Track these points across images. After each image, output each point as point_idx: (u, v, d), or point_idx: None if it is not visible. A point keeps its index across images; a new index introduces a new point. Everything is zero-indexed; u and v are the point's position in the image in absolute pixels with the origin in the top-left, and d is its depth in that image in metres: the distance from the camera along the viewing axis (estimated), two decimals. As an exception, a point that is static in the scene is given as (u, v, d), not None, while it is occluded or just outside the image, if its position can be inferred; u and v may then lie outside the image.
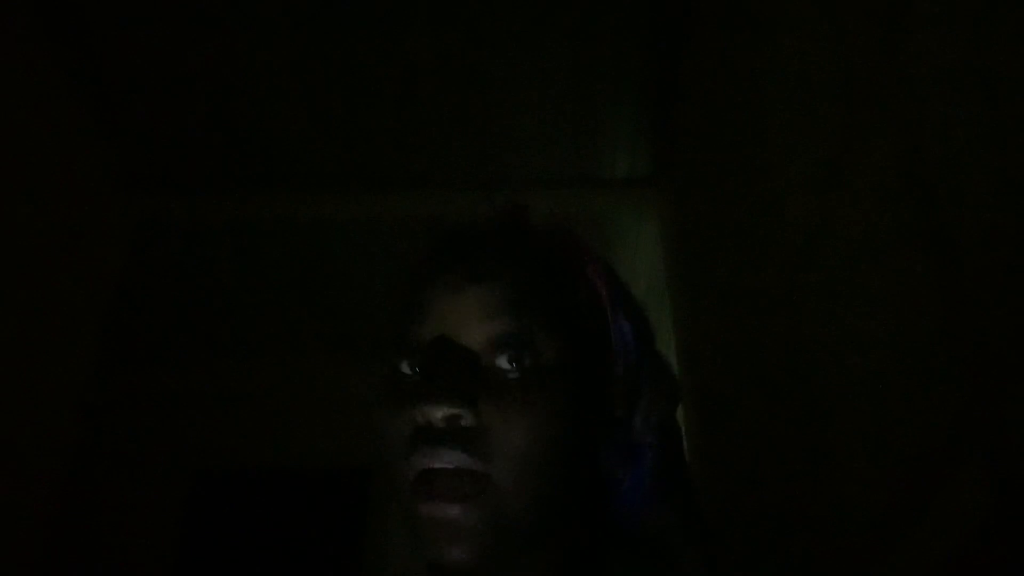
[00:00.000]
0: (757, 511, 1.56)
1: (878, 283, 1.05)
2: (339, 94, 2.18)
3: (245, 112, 2.21)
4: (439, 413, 0.53)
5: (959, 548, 0.87)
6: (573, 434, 0.57)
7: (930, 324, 0.91)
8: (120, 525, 2.67)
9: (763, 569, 1.47)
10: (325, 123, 2.26)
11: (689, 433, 2.05)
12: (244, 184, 2.42)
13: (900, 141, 1.00)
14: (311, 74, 2.13)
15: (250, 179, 2.40)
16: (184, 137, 2.28)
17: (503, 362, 0.56)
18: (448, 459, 0.54)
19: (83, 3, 1.94)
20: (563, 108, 2.22)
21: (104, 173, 2.30)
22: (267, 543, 2.71)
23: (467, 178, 2.36)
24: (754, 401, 1.58)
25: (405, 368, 0.59)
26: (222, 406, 2.89)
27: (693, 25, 1.95)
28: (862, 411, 1.11)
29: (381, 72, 2.13)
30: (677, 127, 2.19)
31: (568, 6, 1.98)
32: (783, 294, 1.41)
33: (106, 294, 2.29)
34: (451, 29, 2.02)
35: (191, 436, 2.85)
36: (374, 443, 0.60)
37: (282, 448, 2.83)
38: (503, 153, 2.34)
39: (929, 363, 0.92)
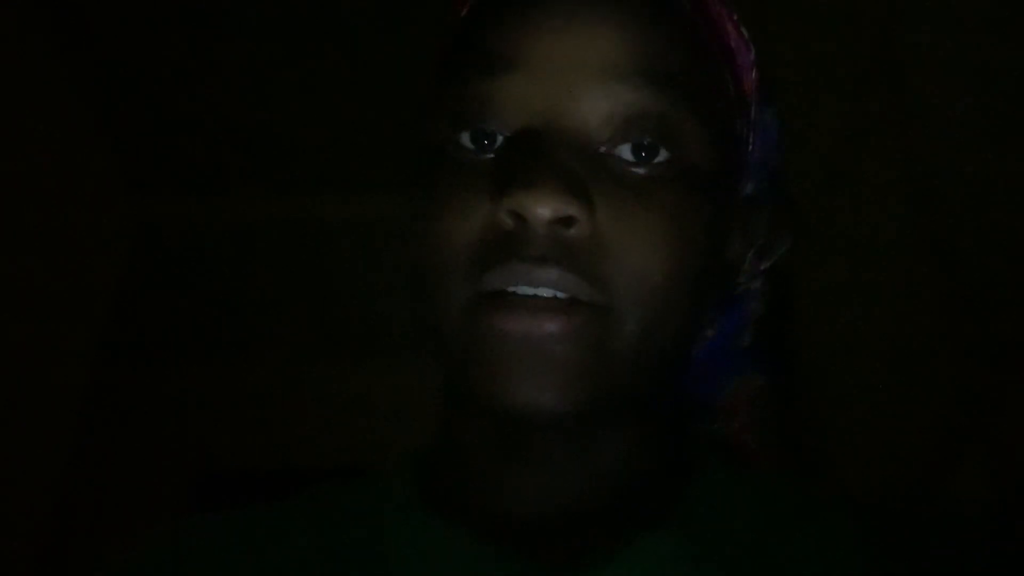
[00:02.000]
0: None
1: (878, 283, 1.05)
2: (340, 95, 2.18)
3: (246, 113, 2.21)
4: (546, 210, 0.34)
5: (960, 547, 0.87)
6: (708, 265, 0.40)
7: (930, 324, 0.91)
8: (120, 526, 2.67)
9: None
10: (325, 123, 2.26)
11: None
12: (244, 185, 2.42)
13: (900, 141, 0.99)
14: (312, 74, 2.13)
15: (250, 179, 2.40)
16: (185, 138, 2.28)
17: (627, 152, 0.38)
18: (551, 281, 0.35)
19: (85, 4, 1.94)
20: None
21: (105, 174, 2.30)
22: (267, 543, 2.70)
23: (467, 178, 2.36)
24: (754, 401, 1.57)
25: (467, 142, 0.39)
26: (222, 407, 2.88)
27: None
28: (862, 411, 1.11)
29: (382, 73, 2.13)
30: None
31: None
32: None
33: (107, 294, 2.29)
34: (451, 29, 2.02)
35: (191, 437, 2.85)
36: (407, 268, 0.40)
37: (282, 448, 2.83)
38: (503, 153, 2.33)
39: (929, 363, 0.92)
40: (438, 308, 0.38)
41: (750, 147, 0.45)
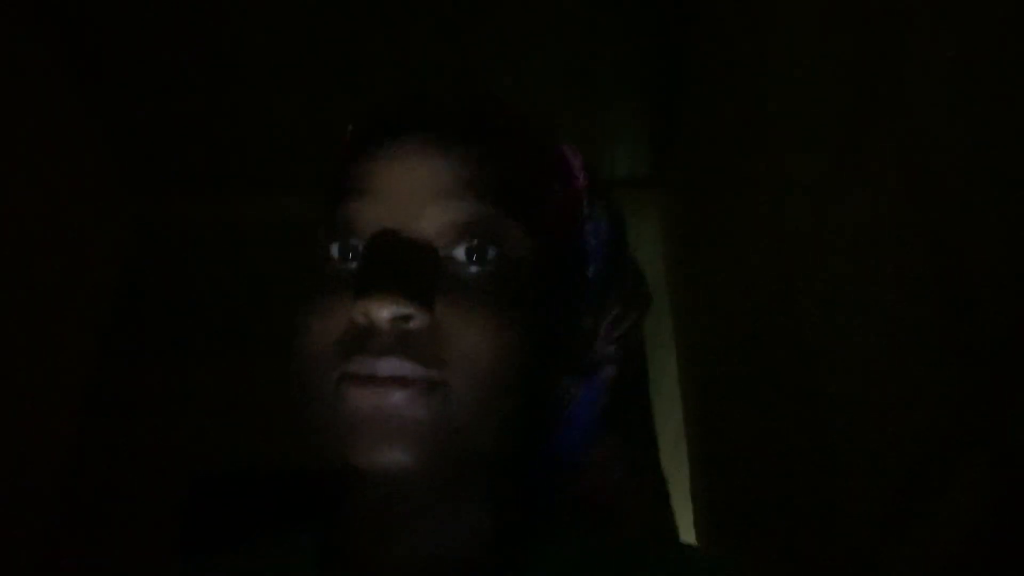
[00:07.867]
0: (759, 510, 1.55)
1: (878, 284, 1.05)
2: (338, 95, 2.18)
3: (244, 113, 2.21)
4: (385, 313, 0.42)
5: (960, 547, 0.87)
6: (540, 343, 0.47)
7: (930, 324, 0.91)
8: (119, 526, 2.67)
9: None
10: (324, 123, 2.26)
11: (689, 434, 2.05)
12: (243, 184, 2.42)
13: (900, 141, 0.99)
14: (310, 74, 2.13)
15: (249, 179, 2.40)
16: (184, 139, 2.28)
17: (461, 254, 0.46)
18: (392, 369, 0.43)
19: (85, 7, 1.94)
20: (563, 108, 2.22)
21: (103, 173, 2.30)
22: (267, 543, 2.70)
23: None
24: (755, 401, 1.58)
25: (335, 253, 0.47)
26: (222, 406, 2.88)
27: (694, 25, 1.95)
28: (862, 411, 1.11)
29: (380, 73, 2.13)
30: (677, 127, 2.19)
31: (568, 6, 1.98)
32: (783, 294, 1.41)
33: (106, 294, 2.29)
34: (451, 30, 2.02)
35: (191, 437, 2.84)
36: (287, 346, 0.48)
37: (282, 449, 2.83)
38: (503, 153, 2.33)
39: (929, 363, 0.92)
40: (309, 392, 0.45)
41: (585, 236, 0.53)
